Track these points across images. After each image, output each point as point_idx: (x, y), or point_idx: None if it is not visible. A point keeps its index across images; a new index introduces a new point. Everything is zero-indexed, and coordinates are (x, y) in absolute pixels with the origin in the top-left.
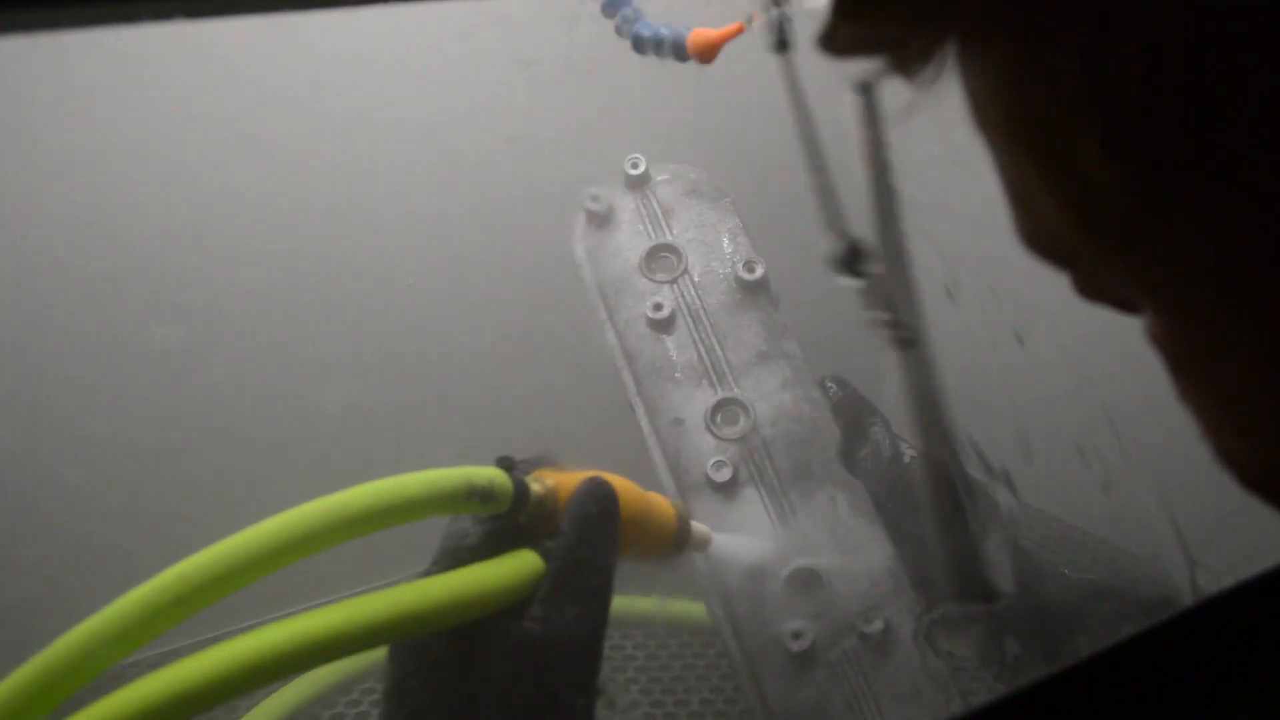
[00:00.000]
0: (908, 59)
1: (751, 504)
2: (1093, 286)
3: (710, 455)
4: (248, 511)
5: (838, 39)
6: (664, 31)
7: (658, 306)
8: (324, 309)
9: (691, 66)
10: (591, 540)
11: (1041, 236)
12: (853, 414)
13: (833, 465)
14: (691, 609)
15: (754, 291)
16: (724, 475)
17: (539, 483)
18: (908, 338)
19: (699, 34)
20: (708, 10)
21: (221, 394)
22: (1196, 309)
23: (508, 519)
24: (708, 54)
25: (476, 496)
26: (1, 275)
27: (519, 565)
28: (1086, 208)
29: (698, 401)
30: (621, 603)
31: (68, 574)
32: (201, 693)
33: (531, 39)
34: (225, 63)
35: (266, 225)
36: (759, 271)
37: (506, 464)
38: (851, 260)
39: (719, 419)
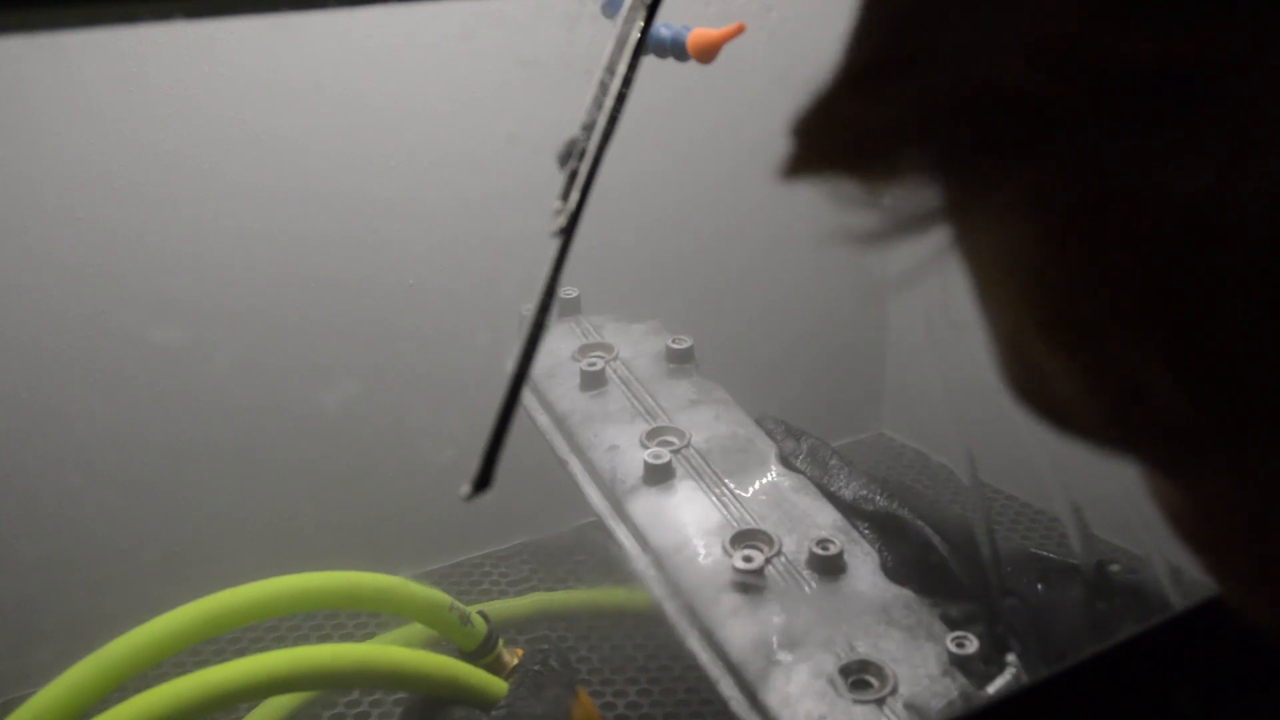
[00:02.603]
0: (874, 179)
1: (691, 491)
2: (1082, 440)
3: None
4: (246, 510)
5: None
6: (664, 32)
7: (591, 364)
8: (324, 309)
9: (692, 66)
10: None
11: (1041, 399)
12: (789, 432)
13: (772, 465)
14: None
15: (681, 359)
16: (661, 459)
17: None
18: (568, 227)
19: (699, 34)
20: (708, 10)
21: (221, 393)
22: (1238, 510)
23: (472, 658)
24: (708, 54)
25: (456, 611)
26: (3, 275)
27: (484, 677)
28: (1123, 406)
29: (632, 431)
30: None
31: (68, 574)
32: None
33: (531, 39)
34: (227, 63)
35: (267, 226)
36: (687, 342)
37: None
38: (566, 155)
39: (654, 443)
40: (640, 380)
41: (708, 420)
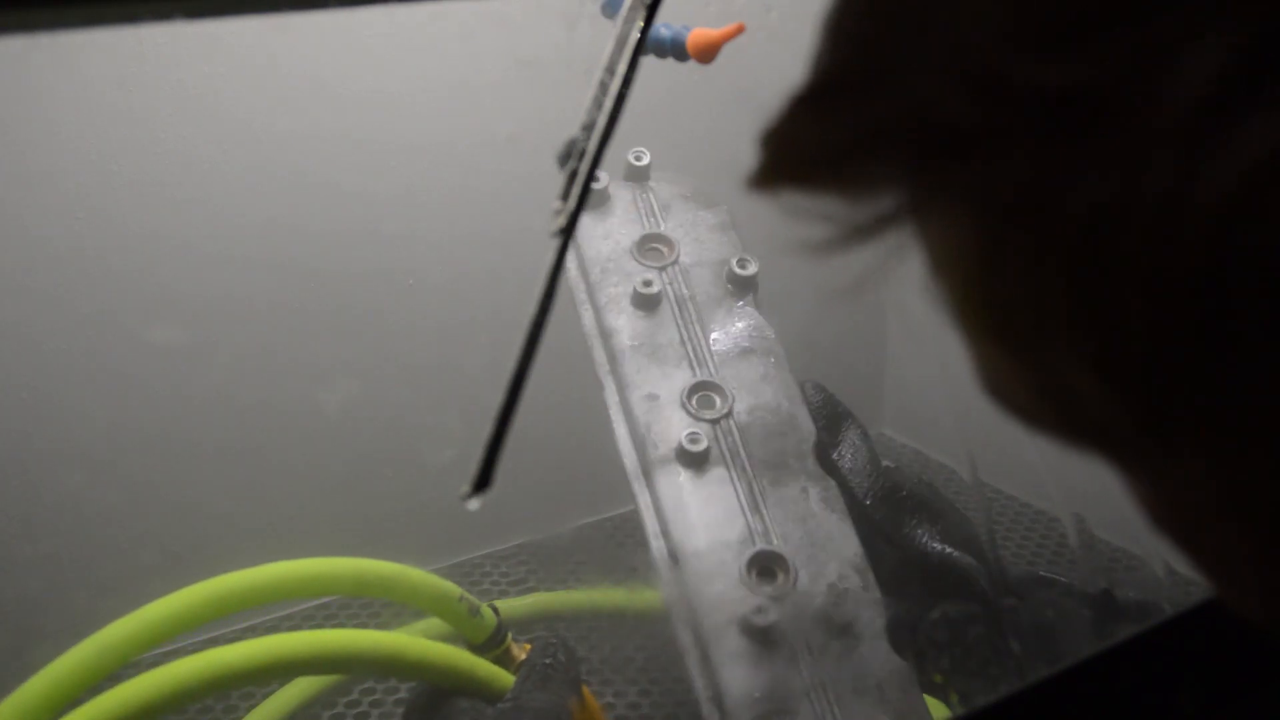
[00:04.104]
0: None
1: (721, 483)
2: (1049, 438)
3: (684, 429)
4: (245, 510)
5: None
6: (664, 32)
7: (647, 283)
8: (324, 309)
9: (692, 66)
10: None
11: (1006, 399)
12: (830, 416)
13: (807, 460)
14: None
15: (743, 288)
16: (699, 446)
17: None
18: (568, 227)
19: (699, 34)
20: (708, 10)
21: (222, 394)
22: (1189, 503)
23: (481, 651)
24: (708, 54)
25: (465, 602)
26: (3, 275)
27: (491, 669)
28: (1068, 409)
29: (675, 380)
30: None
31: (68, 574)
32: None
33: (531, 39)
34: (227, 61)
35: (265, 226)
36: (751, 268)
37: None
38: (566, 155)
39: (695, 400)
40: (696, 302)
41: (754, 380)
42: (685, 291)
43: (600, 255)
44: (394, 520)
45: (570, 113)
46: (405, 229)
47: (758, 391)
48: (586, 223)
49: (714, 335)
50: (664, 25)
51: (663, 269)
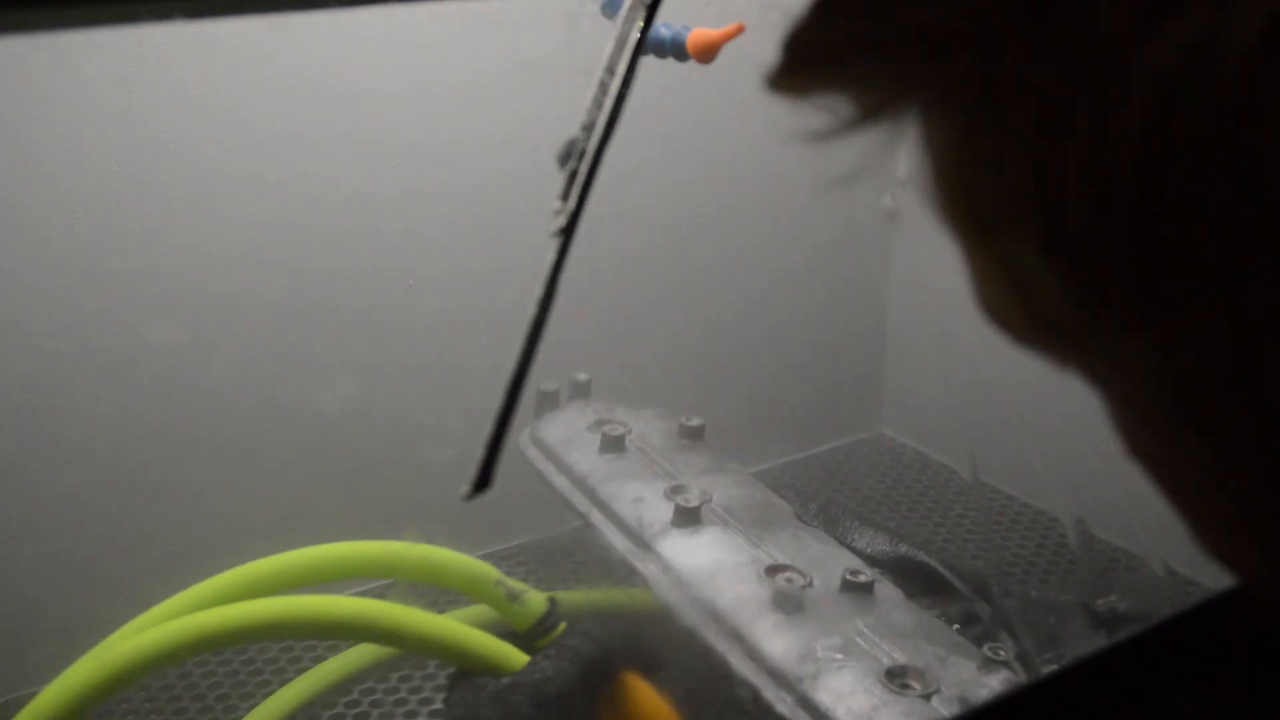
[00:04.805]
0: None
1: (718, 535)
2: (1029, 350)
3: (673, 507)
4: (244, 510)
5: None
6: (664, 32)
7: (613, 428)
8: (323, 311)
9: (692, 66)
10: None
11: (993, 312)
12: (800, 495)
13: (790, 519)
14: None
15: (694, 436)
16: (692, 502)
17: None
18: (568, 227)
19: (699, 34)
20: (708, 10)
21: (222, 393)
22: (1147, 412)
23: (528, 640)
24: (708, 54)
25: (502, 586)
26: (3, 275)
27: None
28: (1030, 304)
29: (655, 486)
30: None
31: (68, 574)
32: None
33: (531, 39)
34: (226, 60)
35: (265, 226)
36: (696, 421)
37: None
38: (566, 155)
39: (678, 498)
40: (656, 449)
41: (726, 484)
42: (645, 445)
43: (561, 437)
44: (394, 520)
45: (570, 113)
46: (405, 228)
47: (731, 490)
48: (541, 422)
49: (678, 464)
50: (664, 25)
51: (624, 433)
